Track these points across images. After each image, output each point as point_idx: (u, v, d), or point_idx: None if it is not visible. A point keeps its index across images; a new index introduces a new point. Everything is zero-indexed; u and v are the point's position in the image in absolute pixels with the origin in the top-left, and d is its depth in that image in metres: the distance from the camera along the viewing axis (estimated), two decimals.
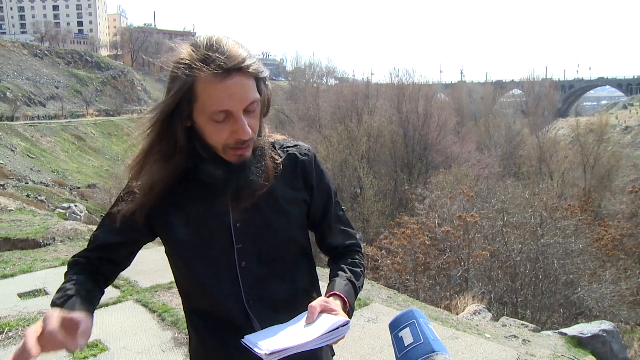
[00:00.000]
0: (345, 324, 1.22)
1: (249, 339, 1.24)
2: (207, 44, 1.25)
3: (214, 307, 1.41)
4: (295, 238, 1.49)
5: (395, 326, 1.18)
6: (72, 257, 1.43)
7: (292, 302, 1.42)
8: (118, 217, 1.39)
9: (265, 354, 1.14)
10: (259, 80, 1.30)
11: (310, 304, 1.28)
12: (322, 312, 1.27)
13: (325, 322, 1.23)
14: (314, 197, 1.51)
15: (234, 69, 1.23)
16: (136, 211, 1.37)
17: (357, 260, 1.55)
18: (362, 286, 1.52)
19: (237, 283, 1.39)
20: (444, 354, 1.16)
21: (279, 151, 1.47)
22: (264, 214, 1.41)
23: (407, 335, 1.15)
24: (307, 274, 1.54)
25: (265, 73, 1.32)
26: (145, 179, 1.35)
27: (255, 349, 1.18)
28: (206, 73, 1.21)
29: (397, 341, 1.22)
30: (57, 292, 1.29)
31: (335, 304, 1.31)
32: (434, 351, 1.15)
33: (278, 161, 1.44)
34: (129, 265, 1.51)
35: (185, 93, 1.24)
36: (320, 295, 1.50)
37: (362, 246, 1.64)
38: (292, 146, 1.51)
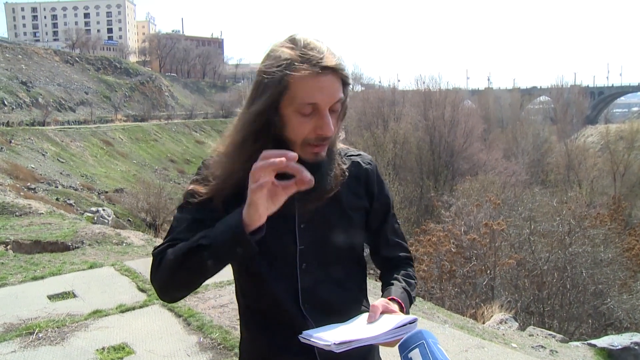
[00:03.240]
0: (414, 321, 1.25)
1: (308, 334, 1.26)
2: (304, 43, 1.30)
3: (271, 305, 1.42)
4: (354, 245, 1.52)
5: (404, 347, 1.18)
6: (158, 250, 1.35)
7: (345, 308, 1.45)
8: (197, 200, 1.39)
9: (334, 343, 1.17)
10: (345, 85, 1.35)
11: (372, 304, 1.34)
12: (382, 312, 1.32)
13: (392, 319, 1.27)
14: (374, 207, 1.55)
15: (328, 68, 1.28)
16: (213, 197, 1.37)
17: (410, 273, 1.59)
18: (415, 298, 1.55)
19: (295, 284, 1.41)
20: None
21: (344, 158, 1.50)
22: (328, 219, 1.44)
23: (416, 356, 1.14)
24: (360, 283, 1.57)
25: (350, 81, 1.38)
26: (223, 168, 1.38)
27: (319, 342, 1.21)
28: (303, 69, 1.26)
29: None
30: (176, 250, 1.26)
31: (394, 307, 1.36)
32: None
33: (344, 167, 1.47)
34: None
35: (280, 83, 1.28)
36: (369, 304, 1.54)
37: (413, 259, 1.68)
38: (355, 155, 1.55)
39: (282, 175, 1.17)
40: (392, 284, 1.51)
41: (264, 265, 1.39)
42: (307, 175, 1.13)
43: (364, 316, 1.36)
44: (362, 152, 1.58)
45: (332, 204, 1.43)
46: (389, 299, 1.41)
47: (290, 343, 1.36)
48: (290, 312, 1.40)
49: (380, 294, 1.52)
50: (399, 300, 1.41)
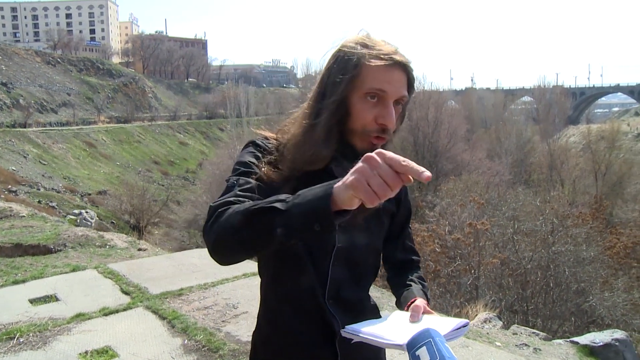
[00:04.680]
0: (466, 325, 1.30)
1: (354, 329, 1.30)
2: (376, 40, 1.39)
3: (301, 297, 1.45)
4: (379, 248, 1.59)
5: (412, 345, 1.20)
6: (218, 203, 1.25)
7: (360, 307, 1.51)
8: (258, 173, 1.39)
9: (406, 343, 1.19)
10: (409, 88, 1.41)
11: (415, 304, 1.40)
12: (423, 313, 1.37)
13: (443, 321, 1.32)
14: (399, 212, 1.62)
15: (399, 63, 1.35)
16: (276, 181, 1.37)
17: (422, 275, 1.68)
18: (430, 300, 1.60)
19: (325, 279, 1.44)
20: None
21: None
22: (365, 220, 1.46)
23: (424, 354, 1.15)
24: (371, 282, 1.61)
25: (413, 93, 1.43)
26: (303, 154, 1.38)
27: (378, 340, 1.25)
28: (376, 56, 1.34)
29: None
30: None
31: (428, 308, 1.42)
32: None
33: None
34: None
35: (355, 69, 1.34)
36: (372, 299, 1.62)
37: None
38: None
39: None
40: (410, 285, 1.57)
41: (304, 254, 1.42)
42: (428, 174, 1.00)
43: (400, 315, 1.41)
44: None
45: None
46: (416, 299, 1.46)
47: (314, 334, 1.43)
48: (319, 305, 1.43)
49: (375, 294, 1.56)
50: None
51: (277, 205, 1.09)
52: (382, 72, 1.33)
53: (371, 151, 1.31)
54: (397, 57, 1.35)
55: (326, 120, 1.36)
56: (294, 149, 1.40)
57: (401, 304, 1.53)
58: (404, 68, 1.37)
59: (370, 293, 1.60)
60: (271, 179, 1.38)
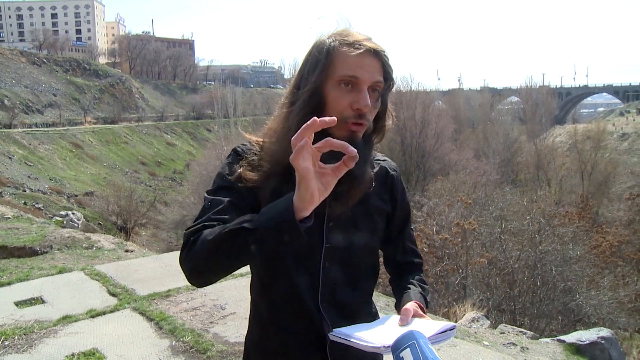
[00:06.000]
0: (453, 328, 1.29)
1: (341, 332, 1.30)
2: (348, 31, 1.39)
3: (291, 300, 1.43)
4: (374, 249, 1.56)
5: (396, 347, 1.20)
6: (191, 230, 1.30)
7: (357, 309, 1.49)
8: (235, 183, 1.38)
9: (384, 346, 1.20)
10: (387, 79, 1.39)
11: (405, 307, 1.40)
12: (413, 316, 1.36)
13: (430, 325, 1.31)
14: (395, 213, 1.60)
15: (369, 49, 1.34)
16: (262, 186, 1.37)
17: (424, 278, 1.65)
18: (429, 303, 1.60)
19: (317, 282, 1.43)
20: None
21: (372, 163, 1.52)
22: (355, 220, 1.46)
23: (407, 356, 1.16)
24: (371, 285, 1.60)
25: (391, 72, 1.40)
26: (280, 153, 1.35)
27: (361, 342, 1.24)
28: (346, 44, 1.34)
29: None
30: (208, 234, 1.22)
31: (420, 311, 1.41)
32: None
33: (372, 174, 1.46)
34: None
35: (326, 58, 1.35)
36: (374, 307, 1.61)
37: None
38: (382, 160, 1.60)
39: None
40: (409, 288, 1.55)
41: (290, 259, 1.41)
42: (352, 148, 1.08)
43: (392, 318, 1.40)
44: (387, 158, 1.62)
45: (360, 205, 1.44)
46: (415, 303, 1.45)
47: (305, 337, 1.41)
48: (309, 308, 1.41)
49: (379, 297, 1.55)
50: (421, 305, 1.46)
51: (246, 225, 1.17)
52: (354, 59, 1.33)
53: (351, 139, 1.31)
54: (368, 44, 1.35)
55: (299, 108, 1.35)
56: (272, 142, 1.40)
57: (398, 308, 1.52)
58: (377, 54, 1.35)
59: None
60: (252, 180, 1.37)
